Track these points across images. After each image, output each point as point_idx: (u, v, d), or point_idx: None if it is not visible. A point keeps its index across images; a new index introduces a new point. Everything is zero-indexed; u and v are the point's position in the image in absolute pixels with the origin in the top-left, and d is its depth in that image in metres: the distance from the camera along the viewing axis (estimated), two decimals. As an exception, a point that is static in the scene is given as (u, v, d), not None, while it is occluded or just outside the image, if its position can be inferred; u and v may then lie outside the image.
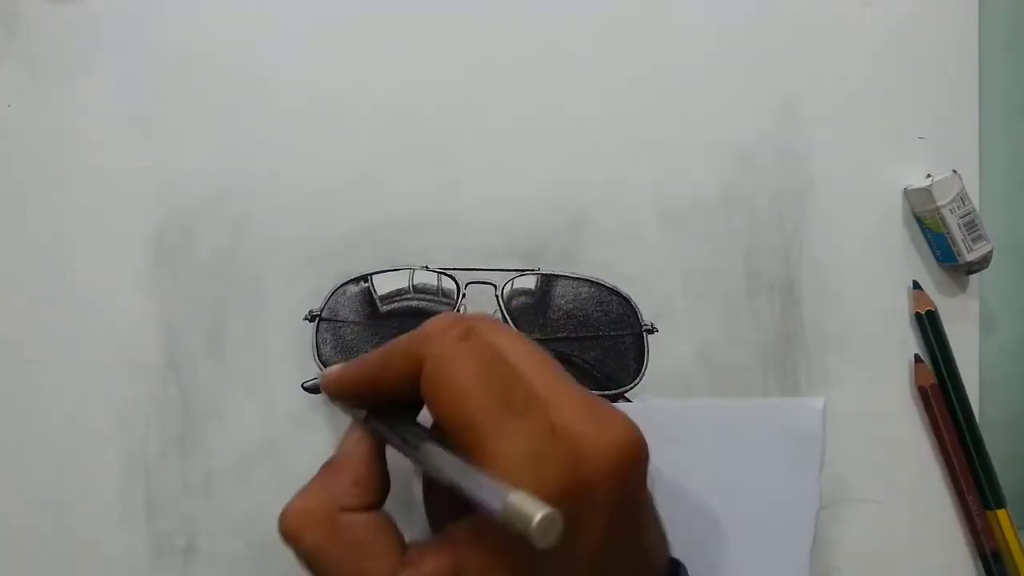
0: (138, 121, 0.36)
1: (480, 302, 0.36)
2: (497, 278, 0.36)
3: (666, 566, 0.31)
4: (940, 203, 0.36)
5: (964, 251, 0.36)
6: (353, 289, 0.36)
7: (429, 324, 0.26)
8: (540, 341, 0.36)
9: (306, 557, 0.26)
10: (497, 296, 0.36)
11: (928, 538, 0.37)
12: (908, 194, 0.37)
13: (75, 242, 0.36)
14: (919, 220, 0.38)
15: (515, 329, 0.29)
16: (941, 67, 0.38)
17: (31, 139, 0.36)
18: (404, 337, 0.27)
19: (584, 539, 0.24)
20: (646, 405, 0.36)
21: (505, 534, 0.22)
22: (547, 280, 0.36)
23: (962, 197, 0.36)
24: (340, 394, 0.29)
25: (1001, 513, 0.36)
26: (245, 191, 0.36)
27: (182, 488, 0.35)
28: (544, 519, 0.20)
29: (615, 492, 0.24)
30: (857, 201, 0.37)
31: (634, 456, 0.25)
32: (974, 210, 0.36)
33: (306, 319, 0.36)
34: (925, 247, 0.38)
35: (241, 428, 0.35)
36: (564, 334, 0.36)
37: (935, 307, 0.37)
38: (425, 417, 0.27)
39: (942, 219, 0.36)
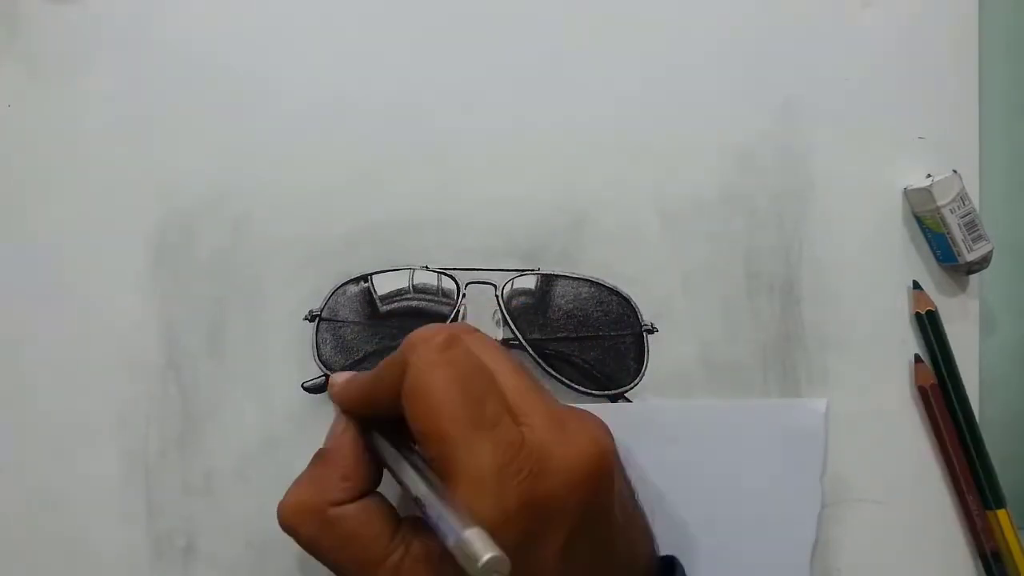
0: (138, 121, 0.36)
1: (480, 302, 0.36)
2: (497, 278, 0.36)
3: (654, 565, 0.31)
4: (940, 203, 0.36)
5: (964, 251, 0.36)
6: (353, 289, 0.36)
7: (414, 334, 0.27)
8: (540, 341, 0.36)
9: (305, 547, 0.27)
10: (497, 296, 0.36)
11: (928, 538, 0.37)
12: (908, 194, 0.37)
13: (75, 242, 0.36)
14: (919, 220, 0.38)
15: (496, 342, 0.29)
16: (941, 67, 0.38)
17: (31, 139, 0.36)
18: (397, 350, 0.27)
19: (546, 551, 0.25)
20: (647, 405, 0.36)
21: None
22: (547, 280, 0.36)
23: (962, 197, 0.36)
24: (344, 408, 0.30)
25: (1001, 513, 0.36)
26: (245, 191, 0.36)
27: (182, 488, 0.35)
28: (489, 563, 0.21)
29: (578, 504, 0.25)
30: (857, 201, 0.37)
31: (597, 468, 0.26)
32: (974, 210, 0.36)
33: (306, 319, 0.36)
34: (925, 247, 0.38)
35: (241, 428, 0.35)
36: (564, 334, 0.36)
37: (935, 307, 0.37)
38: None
39: (942, 219, 0.36)
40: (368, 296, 0.36)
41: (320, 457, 0.29)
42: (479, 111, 0.37)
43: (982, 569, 0.37)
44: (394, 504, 0.28)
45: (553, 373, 0.35)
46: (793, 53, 0.38)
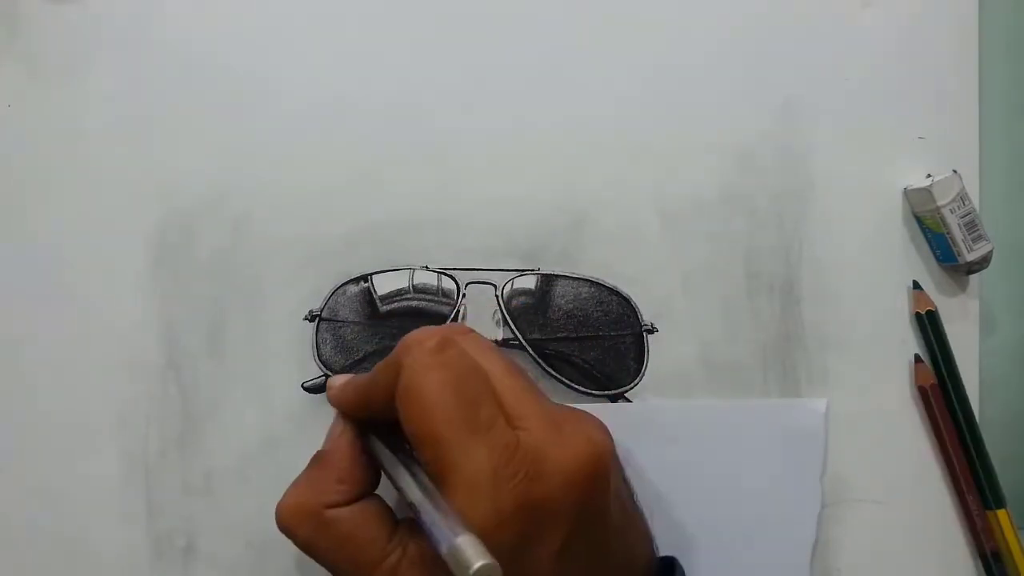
0: (138, 121, 0.36)
1: (480, 302, 0.36)
2: (497, 278, 0.36)
3: (653, 565, 0.31)
4: (940, 203, 0.36)
5: (964, 251, 0.36)
6: (353, 289, 0.36)
7: (408, 336, 0.27)
8: (540, 341, 0.36)
9: (302, 548, 0.27)
10: (497, 296, 0.36)
11: (928, 538, 0.37)
12: (908, 194, 0.37)
13: (75, 242, 0.36)
14: (919, 220, 0.38)
15: (491, 343, 0.29)
16: (941, 67, 0.38)
17: (31, 139, 0.36)
18: (392, 352, 0.27)
19: (543, 553, 0.25)
20: (647, 405, 0.36)
21: None
22: (547, 280, 0.36)
23: (962, 197, 0.36)
24: (341, 411, 0.30)
25: (1001, 513, 0.36)
26: (245, 191, 0.36)
27: (182, 488, 0.35)
28: (480, 570, 0.21)
29: (574, 507, 0.25)
30: (857, 201, 0.37)
31: (593, 469, 0.26)
32: (974, 210, 0.36)
33: (306, 319, 0.36)
34: (925, 247, 0.38)
35: (241, 428, 0.35)
36: (564, 334, 0.36)
37: (935, 307, 0.37)
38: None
39: (942, 219, 0.36)
40: (368, 296, 0.36)
41: (317, 459, 0.29)
42: (479, 111, 0.37)
43: (982, 569, 0.37)
44: (392, 506, 0.29)
45: (553, 373, 0.35)
46: (793, 53, 0.38)
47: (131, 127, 0.36)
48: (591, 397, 0.36)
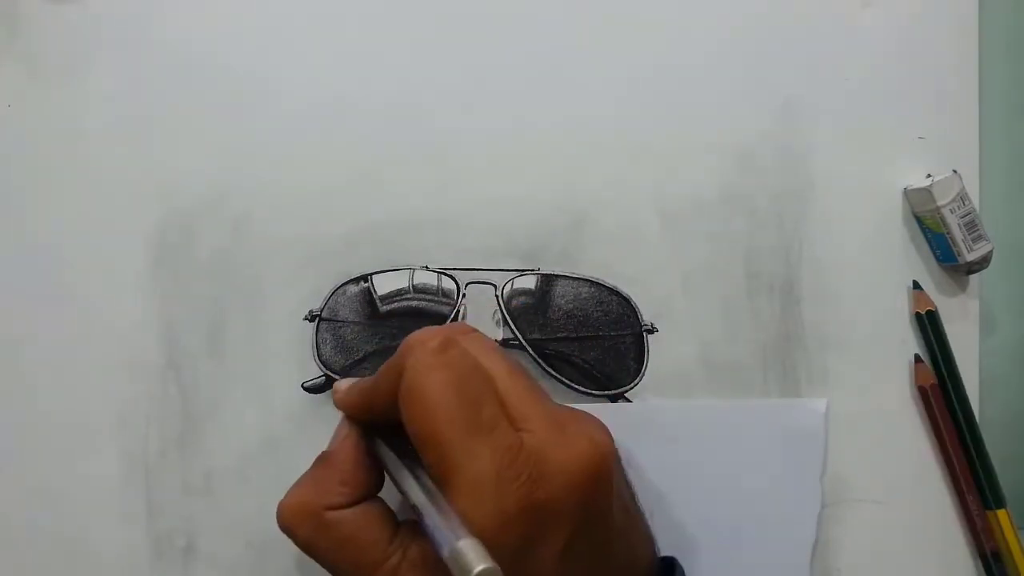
0: (138, 121, 0.36)
1: (480, 302, 0.36)
2: (497, 278, 0.36)
3: (654, 566, 0.31)
4: (940, 203, 0.36)
5: (964, 251, 0.36)
6: (353, 289, 0.36)
7: (410, 336, 0.27)
8: (540, 341, 0.36)
9: (302, 548, 0.27)
10: (497, 296, 0.36)
11: (928, 538, 0.37)
12: (908, 194, 0.37)
13: (75, 242, 0.36)
14: (919, 220, 0.38)
15: (494, 342, 0.29)
16: (941, 67, 0.38)
17: (31, 139, 0.36)
18: (395, 353, 0.27)
19: (545, 554, 0.25)
20: (647, 405, 0.36)
21: None
22: (547, 280, 0.36)
23: (962, 197, 0.36)
24: (346, 413, 0.30)
25: (1001, 513, 0.36)
26: (245, 191, 0.36)
27: (182, 488, 0.35)
28: (481, 574, 0.21)
29: (577, 508, 0.25)
30: (857, 201, 0.37)
31: (596, 470, 0.26)
32: (974, 210, 0.36)
33: (306, 319, 0.36)
34: (925, 247, 0.38)
35: (241, 428, 0.35)
36: (564, 334, 0.36)
37: (935, 307, 0.37)
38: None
39: (942, 219, 0.36)
40: (368, 296, 0.36)
41: (321, 460, 0.29)
42: (479, 111, 0.37)
43: (982, 569, 0.37)
44: (395, 508, 0.28)
45: (553, 373, 0.35)
46: (793, 53, 0.38)
47: (131, 127, 0.36)
48: (591, 397, 0.36)
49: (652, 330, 0.36)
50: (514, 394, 0.26)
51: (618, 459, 0.28)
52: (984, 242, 0.36)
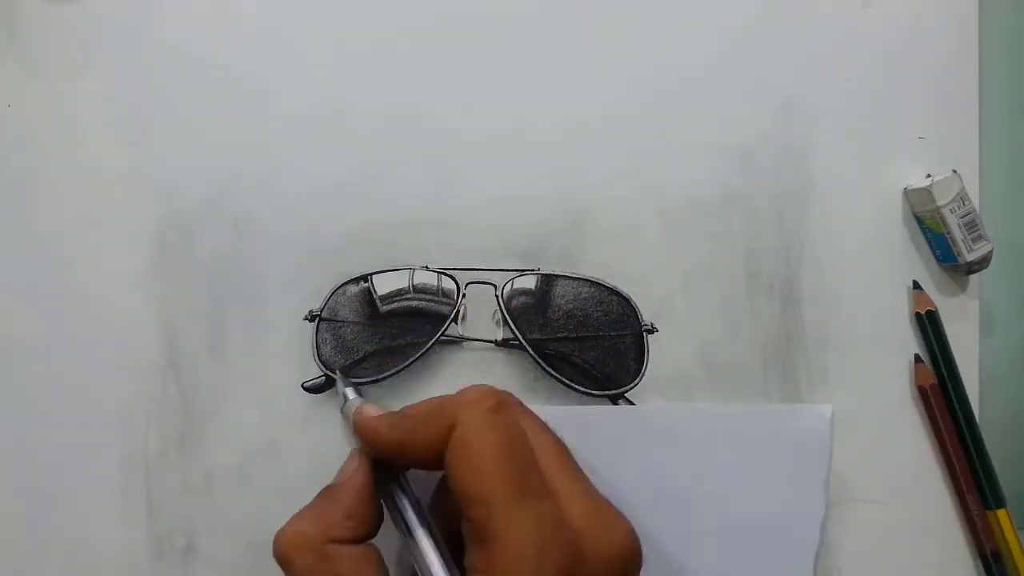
0: (138, 121, 0.36)
1: (480, 302, 0.36)
2: (497, 278, 0.36)
3: None
4: (940, 203, 0.36)
5: (964, 251, 0.36)
6: (353, 289, 0.36)
7: (463, 392, 0.27)
8: (540, 341, 0.36)
9: None
10: (497, 296, 0.36)
11: (928, 538, 0.37)
12: (908, 194, 0.37)
13: (75, 242, 0.36)
14: (919, 220, 0.38)
15: (538, 416, 0.30)
16: (941, 67, 0.38)
17: (31, 139, 0.36)
18: (434, 401, 0.28)
19: None
20: (653, 409, 0.36)
21: None
22: (547, 280, 0.36)
23: (962, 197, 0.36)
24: (369, 447, 0.30)
25: (1001, 513, 0.36)
26: (245, 191, 0.36)
27: (182, 488, 0.35)
28: None
29: None
30: (857, 201, 0.37)
31: (632, 560, 0.26)
32: (974, 210, 0.36)
33: (306, 319, 0.36)
34: (925, 247, 0.38)
35: (241, 428, 0.35)
36: (564, 334, 0.36)
37: (935, 307, 0.37)
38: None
39: (942, 219, 0.36)
40: (368, 296, 0.36)
41: (327, 492, 0.29)
42: (479, 111, 0.37)
43: (982, 569, 0.37)
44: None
45: (553, 373, 0.35)
46: (793, 53, 0.38)
47: (131, 127, 0.36)
48: (591, 397, 0.36)
49: (652, 330, 0.36)
50: (557, 468, 0.27)
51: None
52: (984, 242, 0.36)
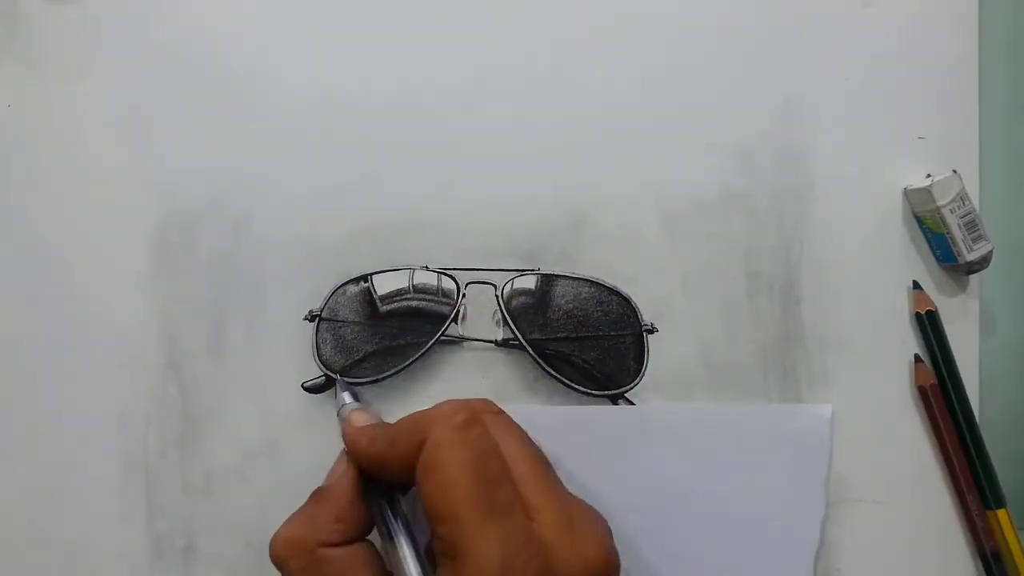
0: (138, 121, 0.36)
1: (480, 302, 0.36)
2: (497, 278, 0.36)
3: None
4: (940, 203, 0.36)
5: (964, 251, 0.36)
6: (353, 289, 0.36)
7: (436, 407, 0.27)
8: (540, 341, 0.36)
9: None
10: (497, 296, 0.36)
11: (928, 538, 0.37)
12: (908, 194, 0.37)
13: (75, 242, 0.36)
14: (919, 220, 0.38)
15: (517, 426, 0.30)
16: (941, 67, 0.38)
17: (31, 139, 0.36)
18: (411, 416, 0.28)
19: None
20: (653, 409, 0.36)
21: None
22: (547, 280, 0.36)
23: (962, 197, 0.36)
24: (353, 460, 0.30)
25: (1001, 513, 0.36)
26: (245, 191, 0.36)
27: (182, 488, 0.35)
28: None
29: None
30: (857, 201, 0.37)
31: None
32: (974, 210, 0.36)
33: (306, 319, 0.36)
34: (925, 247, 0.38)
35: (241, 428, 0.35)
36: (564, 334, 0.36)
37: (935, 307, 0.37)
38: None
39: (942, 219, 0.36)
40: (368, 296, 0.36)
41: (318, 495, 0.29)
42: (479, 111, 0.37)
43: (982, 569, 0.37)
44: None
45: (553, 373, 0.35)
46: (793, 53, 0.38)
47: (131, 127, 0.36)
48: (591, 397, 0.36)
49: (652, 330, 0.36)
50: (530, 481, 0.27)
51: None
52: (984, 242, 0.36)
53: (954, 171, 0.36)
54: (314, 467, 0.35)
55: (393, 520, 0.28)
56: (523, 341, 0.35)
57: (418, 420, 0.27)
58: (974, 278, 0.38)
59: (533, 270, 0.36)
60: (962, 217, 0.36)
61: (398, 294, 0.36)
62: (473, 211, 0.36)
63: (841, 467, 0.36)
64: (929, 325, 0.37)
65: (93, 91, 0.36)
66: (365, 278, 0.36)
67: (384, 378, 0.35)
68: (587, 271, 0.36)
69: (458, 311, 0.36)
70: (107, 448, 0.35)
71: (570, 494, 0.28)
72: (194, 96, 0.36)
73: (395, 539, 0.27)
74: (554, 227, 0.36)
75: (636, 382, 0.36)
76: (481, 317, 0.36)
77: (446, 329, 0.35)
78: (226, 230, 0.36)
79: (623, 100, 0.37)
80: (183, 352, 0.35)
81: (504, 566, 0.24)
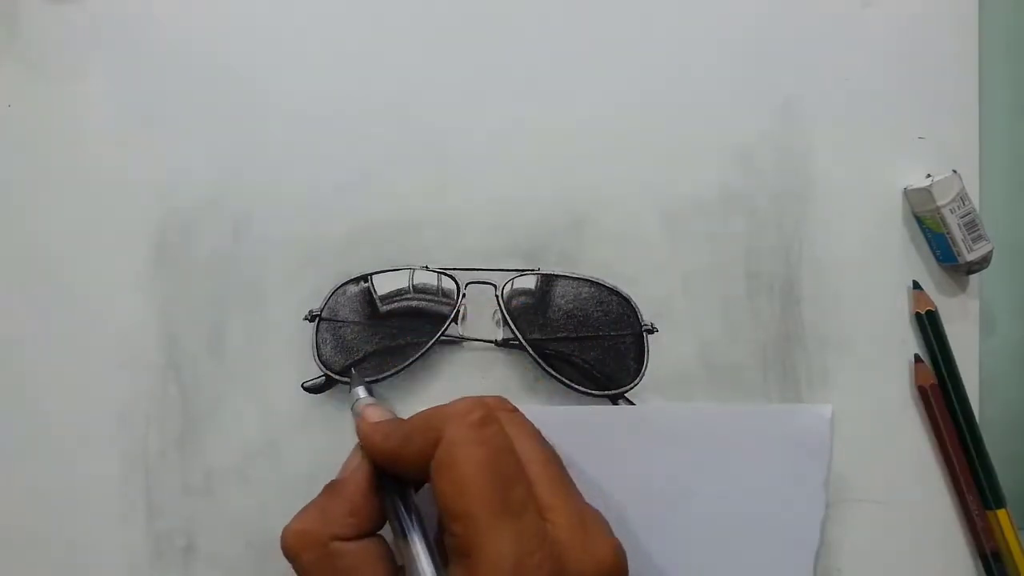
0: (138, 121, 0.36)
1: (480, 302, 0.36)
2: (497, 278, 0.36)
3: None
4: (940, 203, 0.36)
5: (964, 251, 0.36)
6: (353, 289, 0.36)
7: (451, 404, 0.27)
8: (540, 341, 0.36)
9: (303, 575, 0.27)
10: (497, 296, 0.36)
11: (928, 538, 0.37)
12: (908, 194, 0.37)
13: (75, 242, 0.36)
14: (919, 220, 0.38)
15: (532, 425, 0.30)
16: (941, 67, 0.38)
17: (31, 139, 0.36)
18: (426, 412, 0.28)
19: None
20: (653, 409, 0.36)
21: None
22: (547, 280, 0.36)
23: (962, 197, 0.36)
24: (368, 455, 0.30)
25: (1001, 513, 0.36)
26: (245, 191, 0.36)
27: (182, 488, 0.35)
28: None
29: None
30: (857, 201, 0.37)
31: None
32: (974, 210, 0.36)
33: (306, 319, 0.36)
34: (925, 247, 0.38)
35: (241, 428, 0.35)
36: (564, 334, 0.36)
37: (935, 307, 0.37)
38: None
39: (942, 219, 0.36)
40: (368, 296, 0.36)
41: (330, 489, 0.29)
42: (479, 111, 0.37)
43: (982, 569, 0.37)
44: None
45: (553, 373, 0.35)
46: (793, 53, 0.38)
47: (131, 127, 0.36)
48: (591, 397, 0.36)
49: (652, 330, 0.36)
50: (544, 481, 0.27)
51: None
52: (984, 242, 0.36)
53: (954, 171, 0.36)
54: (314, 467, 0.35)
55: (406, 516, 0.28)
56: (523, 341, 0.35)
57: (433, 417, 0.27)
58: (974, 278, 0.38)
59: (533, 270, 0.36)
60: (962, 217, 0.36)
61: (398, 294, 0.36)
62: (473, 211, 0.36)
63: (841, 467, 0.36)
64: (929, 325, 0.37)
65: (93, 91, 0.36)
66: (365, 278, 0.36)
67: (384, 378, 0.35)
68: (587, 271, 0.36)
69: (458, 311, 0.36)
70: (107, 448, 0.35)
71: (581, 497, 0.28)
72: (194, 96, 0.36)
73: (408, 535, 0.27)
74: (554, 227, 0.36)
75: (636, 382, 0.36)
76: (481, 317, 0.36)
77: (446, 329, 0.35)
78: (226, 230, 0.36)
79: (623, 100, 0.37)
80: (183, 352, 0.35)
81: (517, 565, 0.24)
